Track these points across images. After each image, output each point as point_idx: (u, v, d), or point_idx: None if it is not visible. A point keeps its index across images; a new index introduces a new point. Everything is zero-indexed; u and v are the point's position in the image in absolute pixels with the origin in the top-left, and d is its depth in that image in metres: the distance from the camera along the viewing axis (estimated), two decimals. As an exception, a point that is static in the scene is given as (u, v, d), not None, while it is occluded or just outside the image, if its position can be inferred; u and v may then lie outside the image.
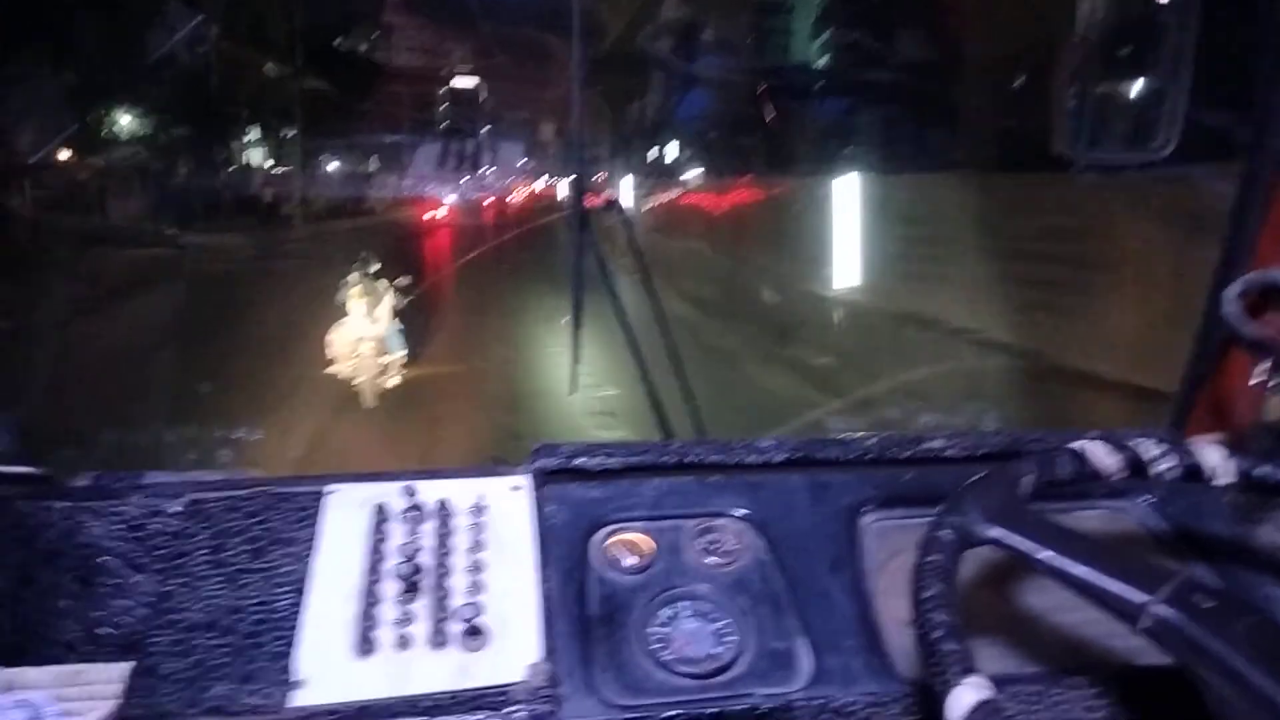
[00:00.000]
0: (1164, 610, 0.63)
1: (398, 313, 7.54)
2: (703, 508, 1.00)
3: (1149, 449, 0.80)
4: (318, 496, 0.97)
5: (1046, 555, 0.68)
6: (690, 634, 0.89)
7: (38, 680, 0.88)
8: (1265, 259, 1.17)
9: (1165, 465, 0.80)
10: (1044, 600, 0.93)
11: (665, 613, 0.91)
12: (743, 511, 1.00)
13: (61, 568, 0.93)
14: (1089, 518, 1.06)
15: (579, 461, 1.01)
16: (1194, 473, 0.80)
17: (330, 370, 6.90)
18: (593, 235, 1.52)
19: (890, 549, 0.98)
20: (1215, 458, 0.80)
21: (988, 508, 0.72)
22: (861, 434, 1.07)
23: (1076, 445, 0.80)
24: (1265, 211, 1.19)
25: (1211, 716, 0.64)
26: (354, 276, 7.30)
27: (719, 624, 0.90)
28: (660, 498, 1.01)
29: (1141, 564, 0.67)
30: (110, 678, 0.88)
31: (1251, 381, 1.12)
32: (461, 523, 0.96)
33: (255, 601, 0.87)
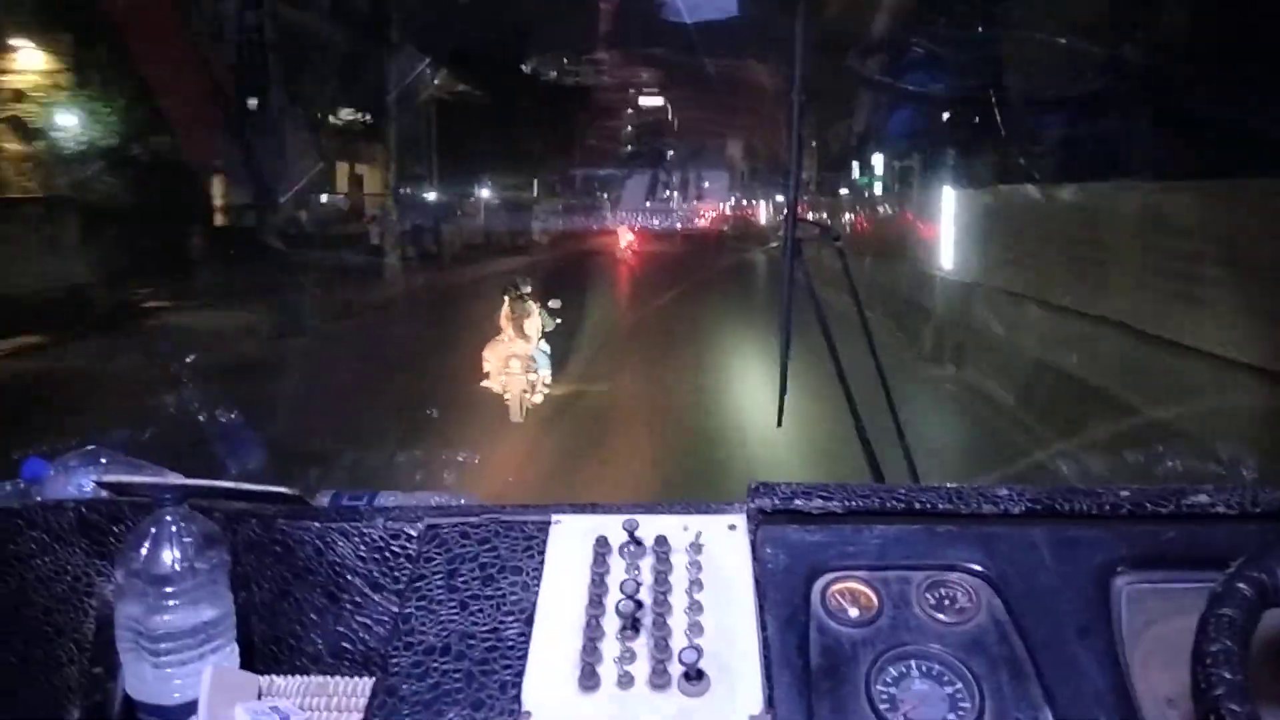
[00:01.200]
0: None
1: (545, 334, 7.97)
2: (932, 559, 0.95)
3: None
4: (543, 526, 0.99)
5: None
6: (921, 696, 0.84)
7: (287, 689, 0.95)
8: None
9: None
10: None
11: (893, 670, 0.86)
12: (978, 566, 0.93)
13: (313, 584, 1.00)
14: None
15: (798, 503, 0.98)
16: None
17: (484, 384, 7.45)
18: (805, 265, 1.49)
19: (1149, 616, 0.88)
20: None
21: None
22: (1113, 485, 0.98)
23: None
24: None
25: None
26: (506, 298, 7.81)
27: (953, 688, 0.84)
28: (885, 546, 0.96)
29: None
30: (352, 692, 0.94)
31: None
32: (679, 560, 0.95)
33: (486, 629, 0.90)
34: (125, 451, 1.33)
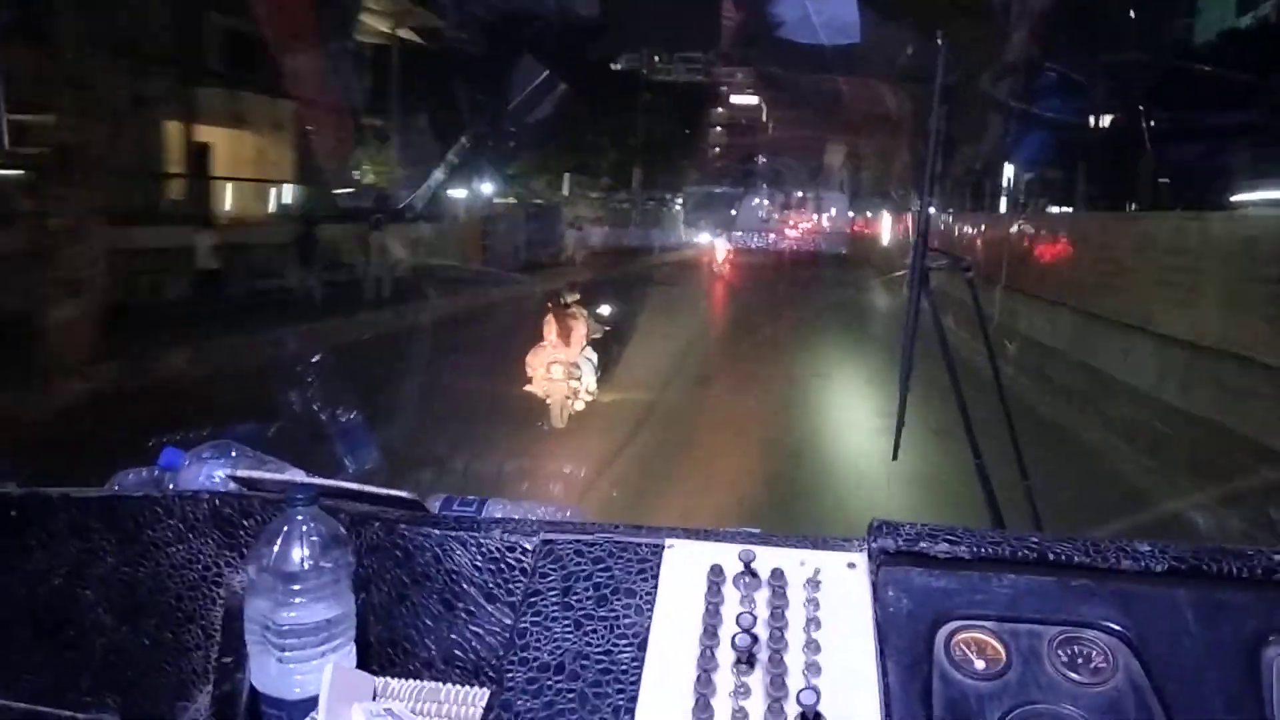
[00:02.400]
0: None
1: (592, 342, 7.73)
2: (1066, 614, 0.90)
3: None
4: (657, 549, 0.98)
5: None
6: (1053, 759, 0.80)
7: (401, 692, 0.96)
8: None
9: None
10: None
11: None
12: (1115, 625, 0.88)
13: (430, 590, 1.01)
14: None
15: (922, 545, 0.94)
16: None
17: (527, 389, 7.29)
18: (933, 295, 1.44)
19: None
20: None
21: None
22: (1266, 548, 0.91)
23: None
24: None
25: None
26: (550, 305, 7.66)
27: None
28: (1016, 597, 0.91)
29: None
30: (463, 700, 0.94)
31: None
32: (796, 596, 0.93)
33: (600, 650, 0.89)
34: (255, 445, 1.39)
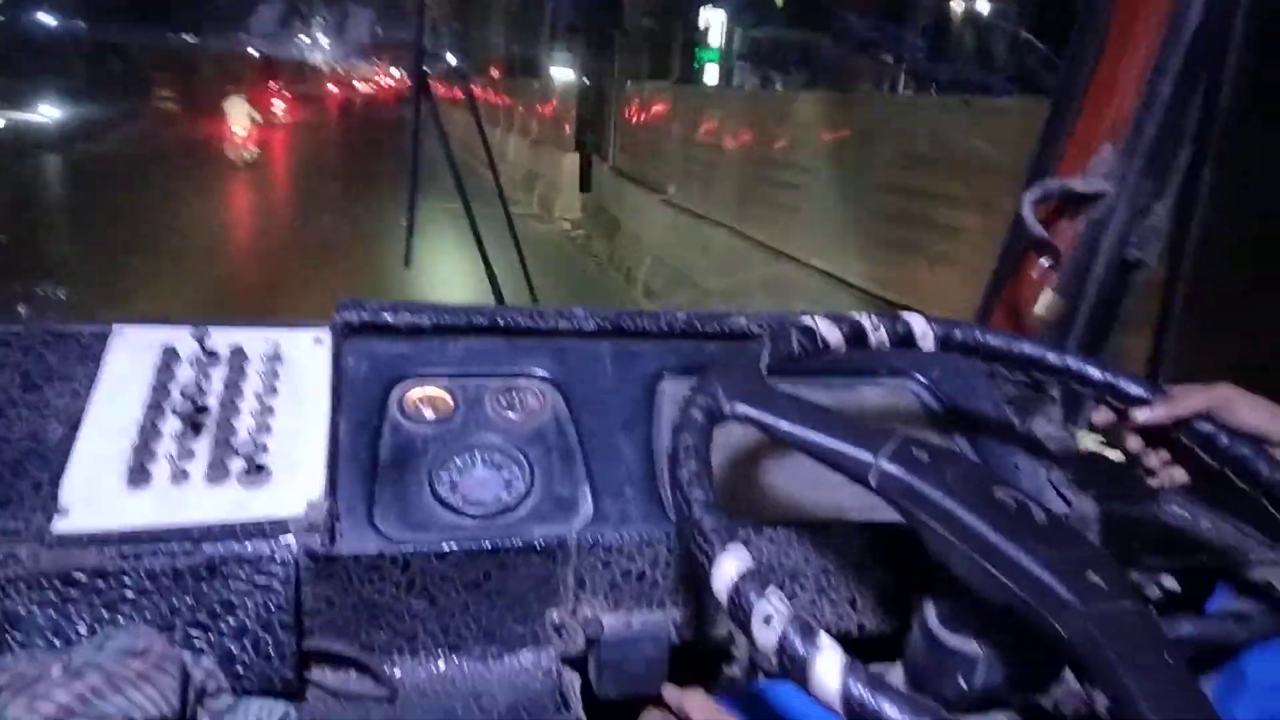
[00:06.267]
0: (887, 465, 0.67)
1: None
2: (510, 368, 1.01)
3: (866, 321, 0.86)
4: (103, 337, 0.93)
5: (785, 425, 0.71)
6: (480, 480, 0.91)
7: None
8: (1066, 172, 1.24)
9: (879, 335, 0.86)
10: (796, 467, 0.98)
11: (458, 461, 0.92)
12: (546, 372, 1.01)
13: None
14: (870, 393, 1.12)
15: (385, 317, 1.00)
16: (906, 340, 0.87)
17: None
18: (434, 105, 1.48)
19: None
20: (920, 327, 0.87)
21: (732, 386, 0.74)
22: (674, 310, 1.10)
23: (807, 320, 0.84)
24: (1068, 132, 1.27)
25: (931, 560, 0.69)
26: None
27: (509, 472, 0.92)
28: (467, 357, 1.01)
29: (867, 429, 0.71)
30: None
31: (1034, 275, 1.20)
32: (254, 369, 0.94)
33: (23, 434, 0.83)
34: None
